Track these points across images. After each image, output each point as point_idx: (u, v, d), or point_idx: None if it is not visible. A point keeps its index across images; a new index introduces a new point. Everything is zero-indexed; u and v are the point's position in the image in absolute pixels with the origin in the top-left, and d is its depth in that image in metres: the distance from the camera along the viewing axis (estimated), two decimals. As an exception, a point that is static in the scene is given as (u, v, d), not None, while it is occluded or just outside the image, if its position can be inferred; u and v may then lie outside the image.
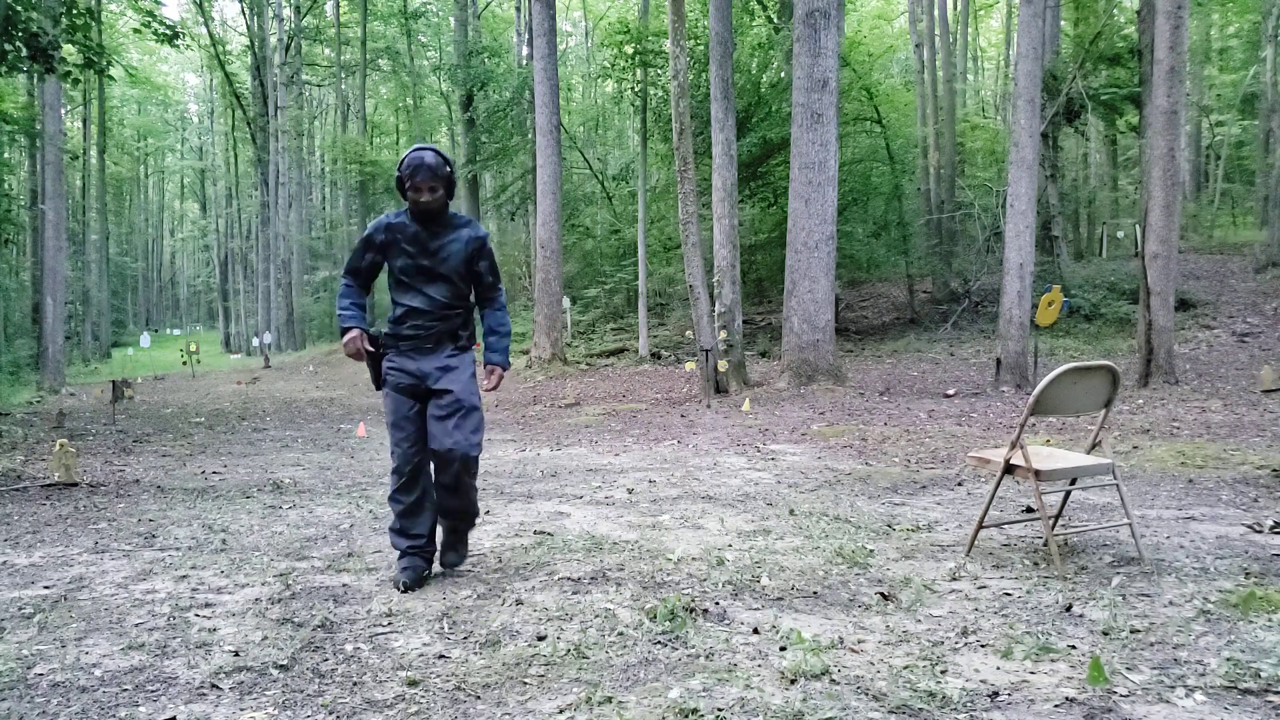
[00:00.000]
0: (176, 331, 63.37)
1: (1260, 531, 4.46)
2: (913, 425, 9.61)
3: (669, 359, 21.80)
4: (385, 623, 3.23)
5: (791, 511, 5.15)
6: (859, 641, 2.96)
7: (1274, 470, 6.02)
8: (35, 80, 26.40)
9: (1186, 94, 17.52)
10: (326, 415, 15.45)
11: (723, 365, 12.96)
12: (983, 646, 2.91)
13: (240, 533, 4.84)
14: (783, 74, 21.90)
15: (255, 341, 34.68)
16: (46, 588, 3.89)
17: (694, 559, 4.04)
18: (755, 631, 3.06)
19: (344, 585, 3.77)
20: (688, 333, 13.32)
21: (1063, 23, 23.91)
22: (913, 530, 4.66)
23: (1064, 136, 24.06)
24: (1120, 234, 25.89)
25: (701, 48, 21.64)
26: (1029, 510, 5.09)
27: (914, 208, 23.74)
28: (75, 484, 6.79)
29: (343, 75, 40.34)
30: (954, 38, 30.95)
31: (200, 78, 63.91)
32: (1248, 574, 3.69)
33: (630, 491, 6.00)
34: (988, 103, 39.13)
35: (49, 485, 6.70)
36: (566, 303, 24.28)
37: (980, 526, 4.13)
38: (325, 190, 52.66)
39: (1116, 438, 7.86)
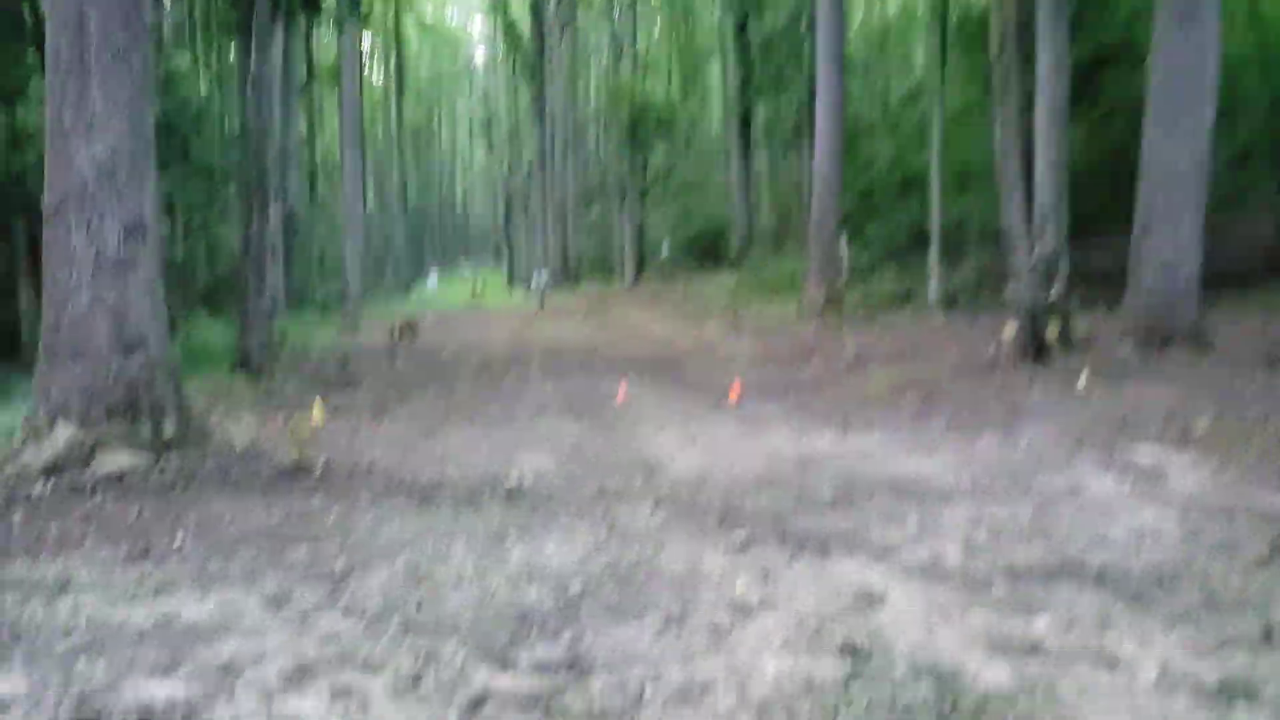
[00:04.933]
0: (467, 270, 67.34)
1: None
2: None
3: (963, 309, 19.12)
4: None
5: (1268, 636, 3.15)
6: None
7: None
8: (338, 36, 27.97)
9: None
10: (590, 366, 14.70)
11: (1053, 332, 10.50)
12: None
13: (444, 587, 3.67)
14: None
15: (532, 282, 35.65)
16: (187, 677, 2.89)
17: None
18: None
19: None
20: (1009, 286, 10.96)
21: None
22: None
23: None
24: None
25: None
26: None
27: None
28: (309, 470, 6.10)
29: (615, 12, 39.71)
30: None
31: (484, 22, 66.51)
32: None
33: (966, 545, 4.24)
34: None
35: (281, 472, 6.04)
36: (843, 243, 22.08)
37: None
38: (599, 133, 53.00)
39: None
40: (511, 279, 54.21)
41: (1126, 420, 7.68)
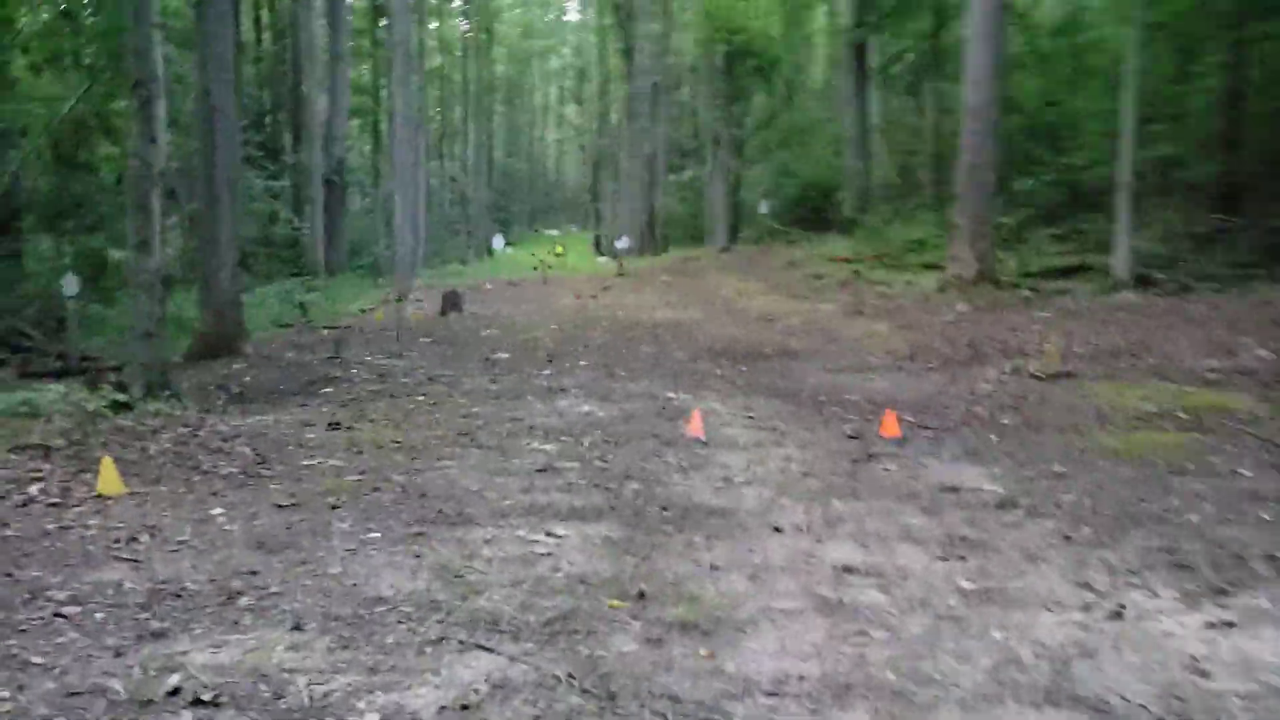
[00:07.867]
0: (555, 232, 63.53)
1: None
2: None
3: (1170, 285, 14.14)
4: None
5: None
6: None
7: None
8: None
9: None
10: (662, 359, 10.60)
11: None
12: None
13: None
14: None
15: (615, 247, 31.57)
16: None
17: None
18: None
19: None
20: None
21: None
22: None
23: None
24: None
25: None
26: None
27: None
28: None
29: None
30: None
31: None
32: None
33: None
34: None
35: None
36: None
37: None
38: (693, 87, 48.08)
39: None
40: (599, 244, 50.36)
41: None
